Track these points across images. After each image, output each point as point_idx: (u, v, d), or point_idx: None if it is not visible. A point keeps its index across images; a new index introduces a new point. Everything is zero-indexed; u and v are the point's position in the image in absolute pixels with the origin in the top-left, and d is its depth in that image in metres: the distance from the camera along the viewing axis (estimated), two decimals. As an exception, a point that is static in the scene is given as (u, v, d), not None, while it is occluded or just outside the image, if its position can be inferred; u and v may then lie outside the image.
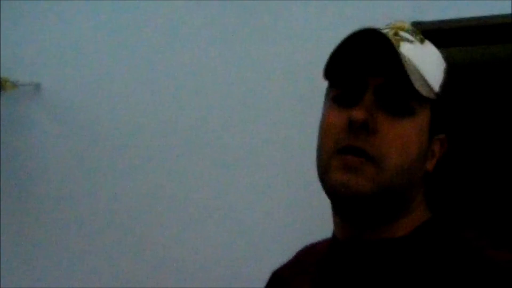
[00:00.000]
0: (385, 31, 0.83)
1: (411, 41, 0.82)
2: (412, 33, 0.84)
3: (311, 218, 1.87)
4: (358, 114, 0.75)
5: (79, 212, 2.18)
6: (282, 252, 1.97)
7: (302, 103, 1.83)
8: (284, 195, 2.00)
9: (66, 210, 2.19)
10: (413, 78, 0.73)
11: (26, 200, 2.24)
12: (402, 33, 0.83)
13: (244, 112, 2.07)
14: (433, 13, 1.88)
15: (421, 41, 0.84)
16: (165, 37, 2.15)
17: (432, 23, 1.88)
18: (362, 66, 0.77)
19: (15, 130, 2.25)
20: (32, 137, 2.24)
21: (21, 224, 2.24)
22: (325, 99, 0.86)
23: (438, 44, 1.96)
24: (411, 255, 0.79)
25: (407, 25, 0.85)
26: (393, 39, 0.79)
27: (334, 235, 0.88)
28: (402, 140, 0.77)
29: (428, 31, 1.85)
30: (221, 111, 2.08)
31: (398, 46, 0.79)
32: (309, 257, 0.96)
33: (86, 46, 2.21)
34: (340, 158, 0.77)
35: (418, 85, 0.74)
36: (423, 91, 0.76)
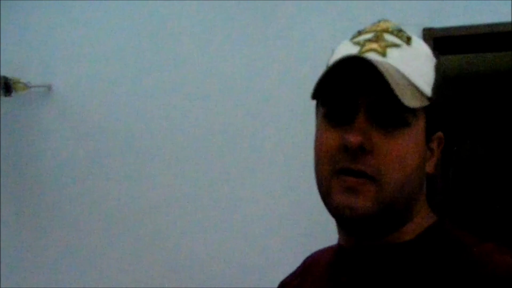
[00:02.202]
0: (368, 36, 0.81)
1: (397, 45, 0.79)
2: (398, 33, 0.81)
3: (319, 221, 1.86)
4: (352, 138, 0.73)
5: (88, 213, 2.19)
6: (289, 252, 1.98)
7: (310, 107, 1.83)
8: (292, 197, 1.99)
9: (75, 210, 2.20)
10: (401, 92, 0.72)
11: (35, 201, 2.25)
12: (387, 36, 0.80)
13: (252, 115, 2.06)
14: (445, 19, 1.88)
15: (408, 42, 0.80)
16: (177, 41, 2.16)
17: (444, 29, 1.88)
18: (351, 87, 0.77)
19: (26, 131, 2.27)
20: (43, 138, 2.26)
21: (28, 224, 2.25)
22: (316, 115, 0.86)
23: (449, 50, 1.95)
24: (418, 260, 0.78)
25: (391, 26, 0.82)
26: (378, 47, 0.78)
27: (339, 242, 0.88)
28: (399, 154, 0.75)
29: (439, 37, 1.85)
30: (230, 115, 2.08)
31: (384, 54, 0.77)
32: (316, 265, 0.95)
33: (98, 48, 2.23)
34: (340, 180, 0.76)
35: (407, 98, 0.72)
36: (415, 104, 0.73)
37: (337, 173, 0.76)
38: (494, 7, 1.81)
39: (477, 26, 1.84)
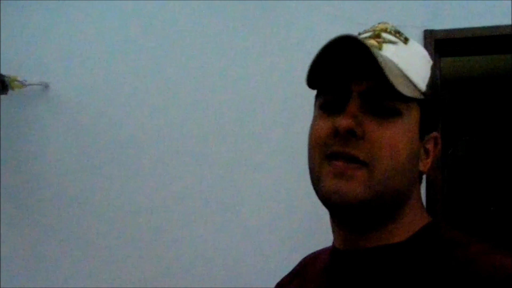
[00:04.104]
0: (367, 34, 0.82)
1: (394, 43, 0.80)
2: (395, 33, 0.82)
3: (316, 221, 1.86)
4: (343, 121, 0.74)
5: (85, 212, 2.18)
6: (286, 252, 1.97)
7: (309, 106, 1.82)
8: (290, 197, 1.98)
9: (71, 210, 2.19)
10: (394, 79, 0.72)
11: (32, 200, 2.24)
12: (385, 35, 0.81)
13: (251, 114, 2.05)
14: (446, 21, 1.87)
15: (405, 41, 0.81)
16: (174, 39, 2.15)
17: (445, 31, 1.87)
18: (344, 73, 0.77)
19: (23, 129, 2.25)
20: (40, 136, 2.24)
21: (26, 224, 2.24)
22: (314, 110, 0.86)
23: (451, 52, 1.94)
24: (412, 262, 0.77)
25: (389, 26, 0.83)
26: (375, 42, 0.79)
27: (334, 244, 0.87)
28: (391, 142, 0.75)
29: (441, 39, 1.84)
30: (228, 114, 2.07)
31: (381, 48, 0.78)
32: (311, 267, 0.95)
33: (95, 47, 2.22)
34: (330, 165, 0.76)
35: (400, 86, 0.73)
36: (407, 92, 0.73)
37: (327, 158, 0.76)
38: (496, 9, 1.80)
39: (479, 29, 1.83)
